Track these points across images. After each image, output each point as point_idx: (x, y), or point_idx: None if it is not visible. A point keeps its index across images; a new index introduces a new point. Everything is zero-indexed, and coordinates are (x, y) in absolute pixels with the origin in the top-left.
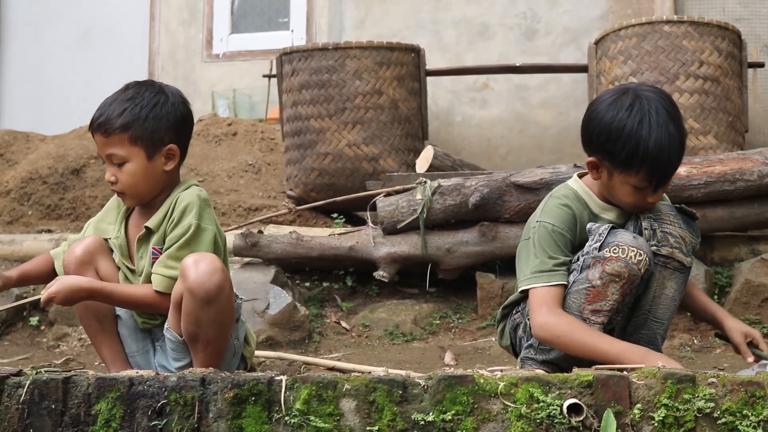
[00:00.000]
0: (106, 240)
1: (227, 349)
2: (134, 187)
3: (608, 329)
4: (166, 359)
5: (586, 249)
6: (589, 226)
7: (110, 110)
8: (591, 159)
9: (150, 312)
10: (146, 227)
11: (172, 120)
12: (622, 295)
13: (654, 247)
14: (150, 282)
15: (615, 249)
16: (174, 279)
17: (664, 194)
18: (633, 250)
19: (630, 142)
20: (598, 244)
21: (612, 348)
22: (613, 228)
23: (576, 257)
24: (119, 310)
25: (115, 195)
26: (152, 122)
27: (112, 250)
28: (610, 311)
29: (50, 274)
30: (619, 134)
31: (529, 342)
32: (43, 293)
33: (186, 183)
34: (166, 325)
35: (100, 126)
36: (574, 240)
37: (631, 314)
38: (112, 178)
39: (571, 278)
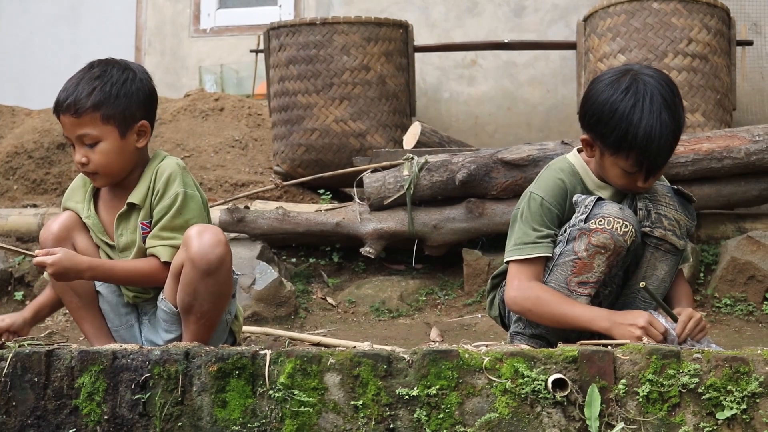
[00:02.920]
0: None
1: (219, 323)
2: (108, 167)
3: (596, 303)
4: (155, 333)
5: (572, 221)
6: (575, 197)
7: (78, 90)
8: (584, 136)
9: (153, 285)
10: (129, 203)
11: (141, 96)
12: (608, 266)
13: (647, 228)
14: (143, 257)
15: (600, 220)
16: (176, 248)
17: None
18: (619, 222)
19: (620, 127)
20: (584, 215)
21: (583, 315)
22: (599, 200)
23: (563, 229)
24: (99, 286)
25: (80, 174)
26: (123, 100)
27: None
28: (596, 283)
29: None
30: (611, 116)
31: (516, 315)
32: (39, 257)
33: (159, 155)
34: (161, 296)
35: (69, 107)
36: (562, 215)
37: (620, 293)
38: (84, 159)
39: (558, 250)
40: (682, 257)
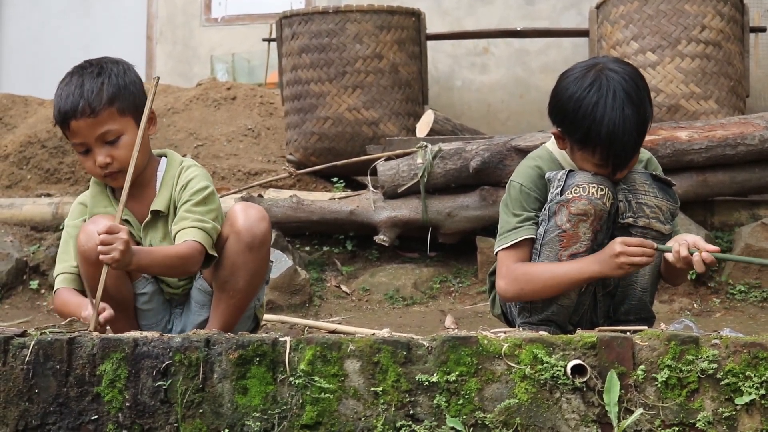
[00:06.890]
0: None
1: (247, 309)
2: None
3: None
4: (186, 320)
5: (549, 197)
6: (547, 175)
7: (86, 90)
8: (555, 130)
9: (190, 269)
10: (153, 211)
11: (140, 85)
12: (593, 232)
13: (631, 219)
14: None
15: (576, 189)
16: (206, 231)
17: (644, 161)
18: (594, 186)
19: (584, 124)
20: (559, 189)
21: (571, 269)
22: (570, 171)
23: (543, 209)
24: (143, 288)
25: (91, 183)
26: (131, 88)
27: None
28: (587, 252)
29: None
30: (575, 114)
31: (519, 306)
32: (110, 244)
33: (175, 158)
34: (198, 275)
35: (84, 109)
36: (542, 198)
37: (617, 283)
38: (108, 158)
39: (542, 230)
40: (674, 231)
